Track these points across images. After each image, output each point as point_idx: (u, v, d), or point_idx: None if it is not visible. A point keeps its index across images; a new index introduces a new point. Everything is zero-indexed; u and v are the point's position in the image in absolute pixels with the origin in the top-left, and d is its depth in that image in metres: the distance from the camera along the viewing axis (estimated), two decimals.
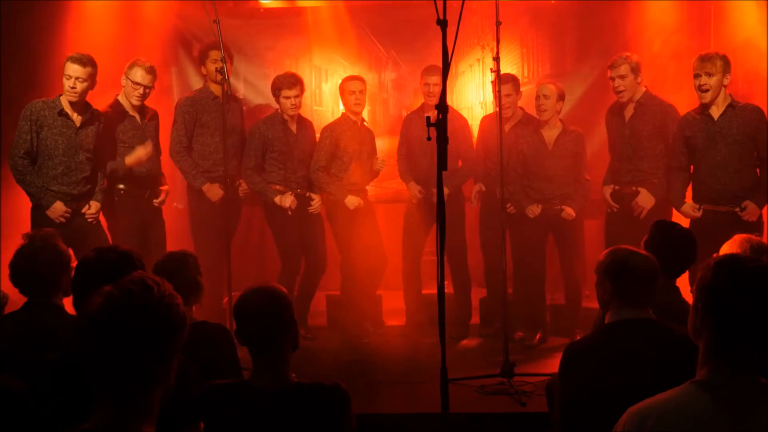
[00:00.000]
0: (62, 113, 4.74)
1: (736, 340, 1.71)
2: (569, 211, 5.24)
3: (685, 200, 4.86)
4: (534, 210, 5.27)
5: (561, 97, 5.25)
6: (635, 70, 5.01)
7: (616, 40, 6.12)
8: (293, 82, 5.37)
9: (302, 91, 5.44)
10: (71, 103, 4.75)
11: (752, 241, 3.26)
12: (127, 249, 2.67)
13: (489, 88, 5.62)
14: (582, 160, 5.36)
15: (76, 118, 4.79)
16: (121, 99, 5.10)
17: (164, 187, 5.30)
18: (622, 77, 5.01)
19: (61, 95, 4.76)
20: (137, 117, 5.13)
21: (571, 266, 5.32)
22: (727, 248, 3.25)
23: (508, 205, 5.18)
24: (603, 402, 2.29)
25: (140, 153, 5.05)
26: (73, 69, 4.67)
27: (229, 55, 5.26)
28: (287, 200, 5.40)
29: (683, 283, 3.28)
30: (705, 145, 4.71)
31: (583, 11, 6.54)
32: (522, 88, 5.69)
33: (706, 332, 1.74)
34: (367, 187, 5.75)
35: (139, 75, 5.00)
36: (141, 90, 5.03)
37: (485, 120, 5.84)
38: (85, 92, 4.75)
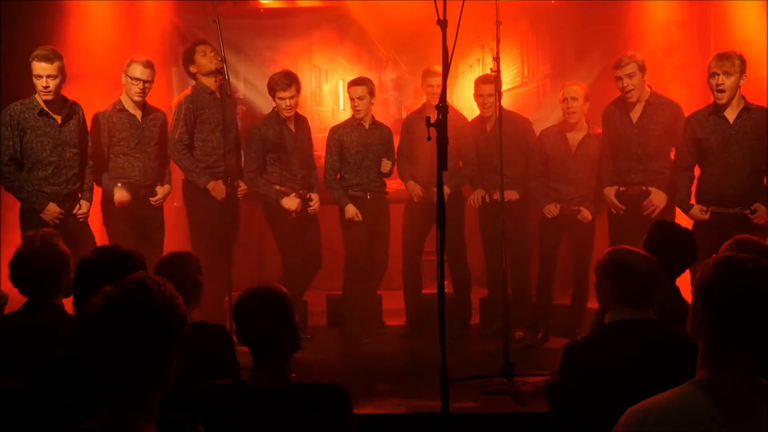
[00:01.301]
0: (42, 113, 4.66)
1: (736, 340, 1.70)
2: (586, 214, 5.24)
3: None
4: (552, 210, 5.28)
5: (587, 98, 5.24)
6: (642, 68, 4.95)
7: (616, 40, 6.12)
8: (287, 83, 5.27)
9: (298, 91, 5.36)
10: (48, 102, 4.67)
11: (752, 241, 3.26)
12: (127, 249, 2.68)
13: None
14: None
15: (57, 116, 4.71)
16: (123, 98, 5.08)
17: (164, 187, 5.27)
18: (630, 76, 4.93)
19: (36, 94, 4.66)
20: (138, 115, 5.09)
21: (584, 267, 5.28)
22: (727, 249, 3.24)
23: (485, 194, 5.33)
24: (602, 402, 2.29)
25: (123, 196, 5.02)
26: (42, 68, 4.58)
27: (215, 50, 5.19)
28: (293, 203, 5.37)
29: (683, 283, 3.28)
30: (719, 148, 4.64)
31: (583, 11, 6.54)
32: (522, 89, 5.68)
33: (706, 332, 1.73)
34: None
35: (137, 71, 4.97)
36: (141, 85, 4.99)
37: (471, 123, 5.74)
38: (58, 87, 4.66)
